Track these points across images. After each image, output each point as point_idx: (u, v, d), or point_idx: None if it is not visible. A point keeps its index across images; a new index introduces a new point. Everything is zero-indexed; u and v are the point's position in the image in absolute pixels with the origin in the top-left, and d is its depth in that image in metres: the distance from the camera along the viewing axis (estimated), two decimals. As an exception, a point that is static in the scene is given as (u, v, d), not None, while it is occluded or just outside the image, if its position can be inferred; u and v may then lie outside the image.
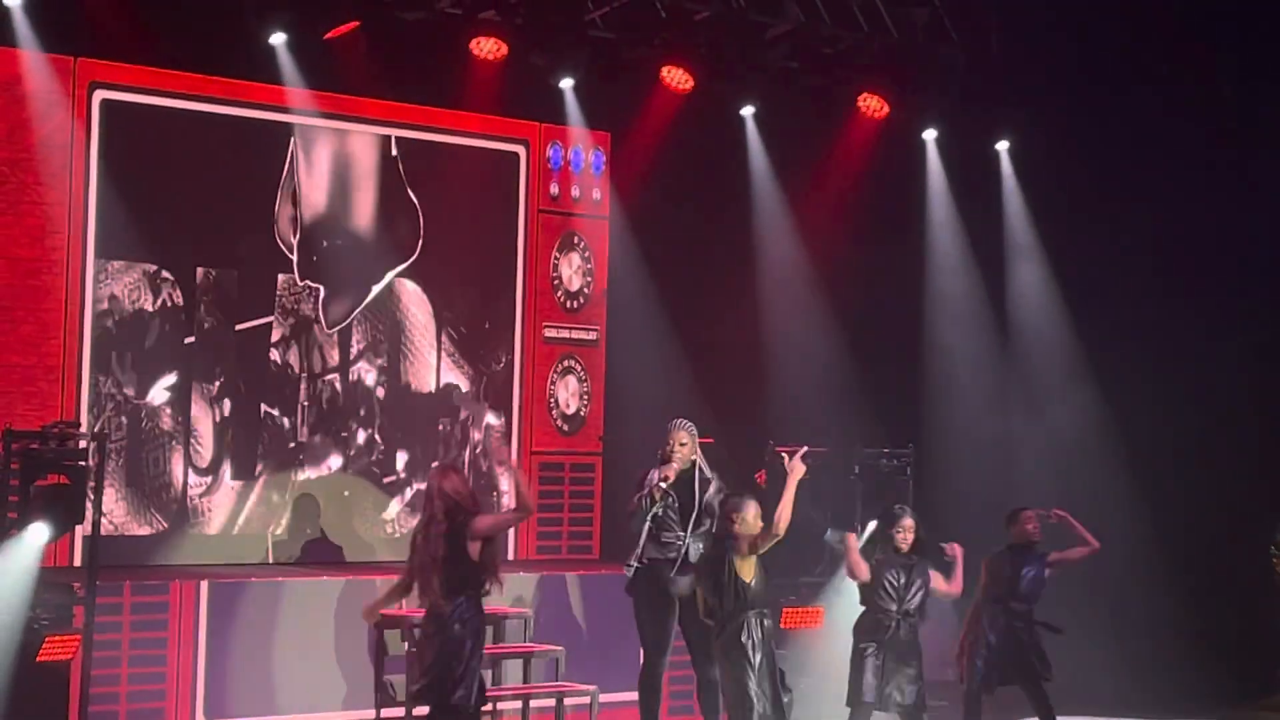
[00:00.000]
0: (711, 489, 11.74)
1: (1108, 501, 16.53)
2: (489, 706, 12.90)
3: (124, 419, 13.42)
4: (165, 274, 13.62)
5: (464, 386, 15.04)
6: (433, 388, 14.93)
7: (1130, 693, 15.35)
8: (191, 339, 13.74)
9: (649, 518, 11.60)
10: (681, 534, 11.67)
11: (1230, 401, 16.31)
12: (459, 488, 10.38)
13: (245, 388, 14.00)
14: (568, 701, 12.86)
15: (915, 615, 11.96)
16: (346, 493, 14.47)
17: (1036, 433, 16.91)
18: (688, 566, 11.55)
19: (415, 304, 14.85)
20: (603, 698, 12.77)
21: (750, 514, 10.74)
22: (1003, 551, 12.99)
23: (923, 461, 15.01)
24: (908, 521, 11.88)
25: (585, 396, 15.78)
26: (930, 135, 17.02)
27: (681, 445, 11.72)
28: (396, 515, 14.67)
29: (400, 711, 12.90)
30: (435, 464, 11.05)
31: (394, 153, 14.68)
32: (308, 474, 14.28)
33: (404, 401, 14.78)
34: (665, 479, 11.61)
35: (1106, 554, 16.43)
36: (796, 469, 10.75)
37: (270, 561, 13.94)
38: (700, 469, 11.76)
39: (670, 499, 11.64)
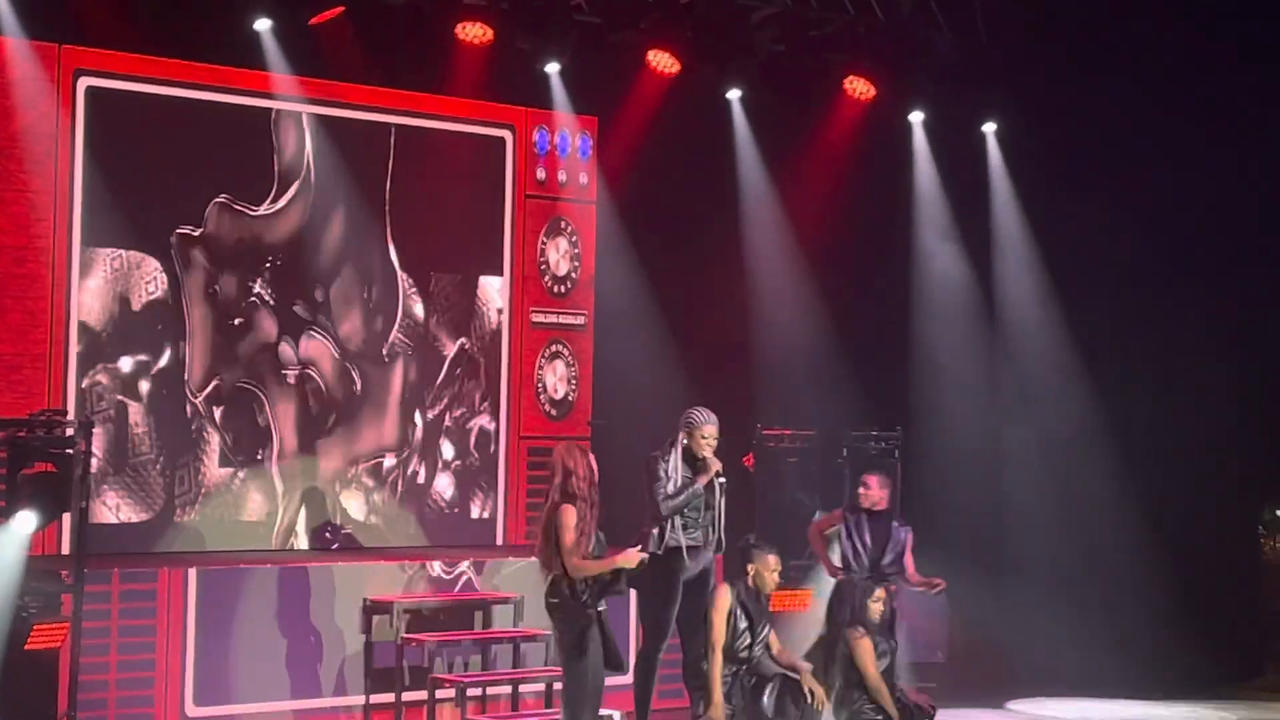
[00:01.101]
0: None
1: (1095, 480, 16.58)
2: (479, 691, 12.94)
3: (112, 408, 13.41)
4: (152, 261, 13.59)
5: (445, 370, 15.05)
6: (425, 374, 14.93)
7: (1120, 674, 15.39)
8: (184, 327, 13.73)
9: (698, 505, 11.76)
10: (704, 520, 11.78)
11: (1216, 382, 16.33)
12: (580, 467, 10.71)
13: (235, 375, 13.98)
14: (558, 686, 12.86)
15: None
16: (336, 479, 14.46)
17: (1023, 415, 16.94)
18: (703, 552, 11.73)
19: (403, 289, 14.83)
20: (592, 682, 12.76)
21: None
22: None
23: (910, 444, 15.02)
24: (879, 592, 11.94)
25: (573, 381, 15.78)
26: (917, 118, 17.02)
27: (716, 438, 11.82)
28: (384, 502, 14.67)
29: (390, 697, 12.92)
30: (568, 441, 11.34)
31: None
32: (298, 460, 14.26)
33: (394, 388, 14.76)
34: (719, 471, 11.76)
35: (1095, 535, 16.51)
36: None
37: (260, 548, 13.94)
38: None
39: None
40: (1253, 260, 16.32)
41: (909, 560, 12.93)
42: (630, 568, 10.94)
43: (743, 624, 11.00)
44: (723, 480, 11.86)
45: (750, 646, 11.00)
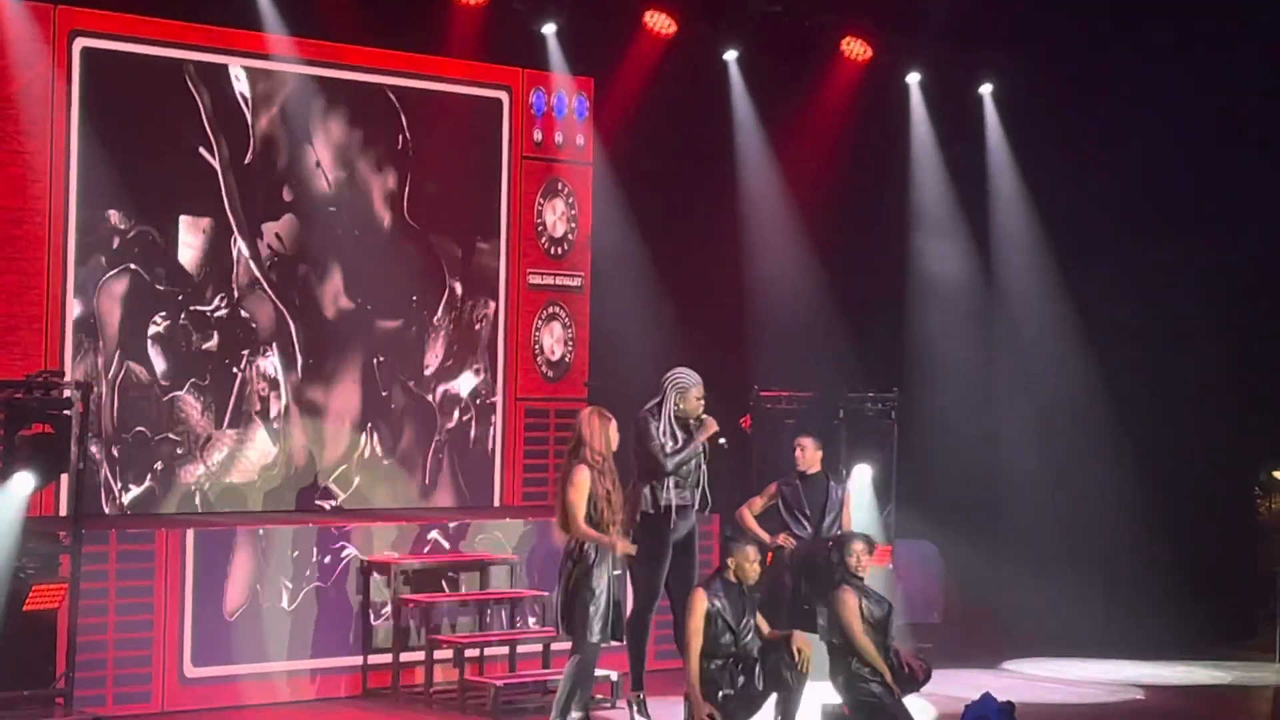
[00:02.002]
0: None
1: (1091, 442, 16.61)
2: (476, 651, 12.98)
3: (109, 369, 13.40)
4: (149, 221, 13.57)
5: (447, 336, 15.05)
6: (420, 335, 14.93)
7: (1115, 635, 15.43)
8: (183, 292, 13.72)
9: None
10: (691, 481, 11.84)
11: (1212, 343, 16.35)
12: (595, 438, 10.90)
13: (232, 333, 13.98)
14: (554, 646, 12.91)
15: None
16: (335, 439, 14.47)
17: (1019, 377, 16.95)
18: (690, 512, 11.85)
19: (402, 250, 14.82)
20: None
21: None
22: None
23: (907, 406, 15.03)
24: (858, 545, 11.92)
25: (570, 342, 15.78)
26: (914, 79, 17.01)
27: (703, 399, 11.87)
28: (382, 464, 14.68)
29: (387, 658, 12.95)
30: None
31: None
32: (296, 421, 14.27)
33: (391, 347, 14.76)
34: (717, 431, 11.83)
35: (1090, 496, 16.54)
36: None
37: (257, 510, 13.95)
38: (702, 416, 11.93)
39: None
40: (1250, 222, 16.32)
41: (846, 517, 12.97)
42: (618, 554, 11.06)
43: (727, 624, 11.04)
44: (723, 441, 11.91)
45: (736, 641, 11.05)
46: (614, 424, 11.18)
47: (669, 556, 11.84)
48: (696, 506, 11.91)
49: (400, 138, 14.80)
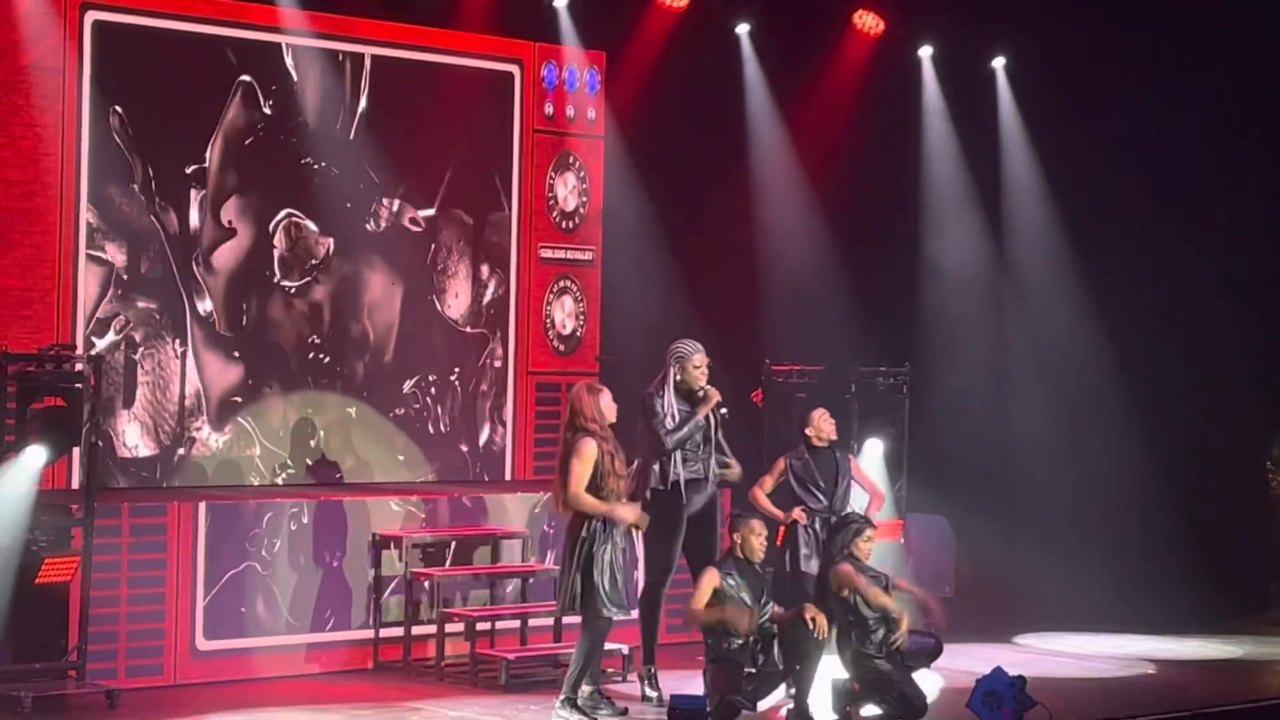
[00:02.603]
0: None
1: (1102, 416, 16.60)
2: (488, 625, 13.00)
3: (122, 342, 13.40)
4: (160, 193, 13.57)
5: (461, 309, 15.04)
6: (434, 310, 14.93)
7: (1127, 609, 15.43)
8: (199, 265, 13.72)
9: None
10: (704, 453, 11.85)
11: (1225, 318, 16.33)
12: (585, 407, 10.97)
13: (248, 308, 13.98)
14: (565, 620, 12.91)
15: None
16: (350, 412, 14.47)
17: (1031, 351, 16.93)
18: (704, 484, 11.82)
19: (409, 223, 14.81)
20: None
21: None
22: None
23: (919, 380, 15.03)
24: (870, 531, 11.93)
25: (581, 317, 15.78)
26: (926, 53, 16.98)
27: (708, 368, 11.88)
28: (393, 437, 14.69)
29: (399, 631, 12.97)
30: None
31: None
32: (310, 394, 14.28)
33: (405, 324, 14.76)
34: (720, 401, 11.85)
35: (1102, 470, 16.53)
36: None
37: (269, 483, 13.97)
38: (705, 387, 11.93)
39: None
40: (1267, 196, 16.28)
41: (866, 481, 13.08)
42: (628, 522, 11.07)
43: (744, 603, 11.03)
44: (724, 411, 11.89)
45: (758, 614, 11.07)
46: (605, 394, 11.22)
47: (682, 531, 11.84)
48: (714, 480, 11.91)
49: (411, 111, 14.77)
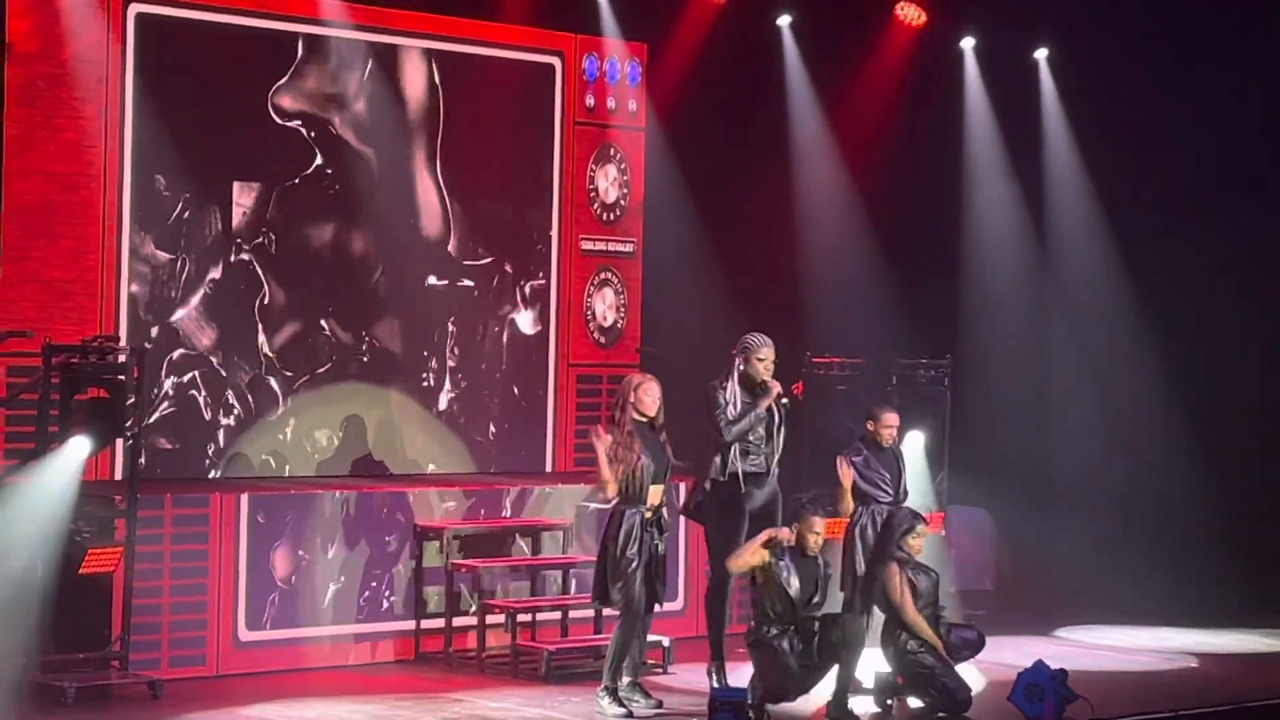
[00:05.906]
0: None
1: (1144, 409, 16.53)
2: (529, 616, 13.01)
3: (164, 334, 13.45)
4: (203, 187, 13.60)
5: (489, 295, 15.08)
6: (475, 302, 14.95)
7: (1169, 602, 15.36)
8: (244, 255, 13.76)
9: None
10: (766, 447, 11.83)
11: (1271, 311, 16.25)
12: (617, 398, 11.36)
13: (287, 301, 14.01)
14: (606, 612, 12.92)
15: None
16: (392, 405, 14.50)
17: (1073, 341, 16.88)
18: (765, 479, 11.81)
19: (451, 216, 14.83)
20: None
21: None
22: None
23: (960, 372, 15.00)
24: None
25: (622, 309, 15.78)
26: (968, 44, 16.93)
27: (774, 361, 11.89)
28: (434, 429, 14.71)
29: (440, 623, 12.99)
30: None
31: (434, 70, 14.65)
32: (352, 386, 14.30)
33: (446, 315, 14.78)
34: (781, 394, 11.84)
35: (1144, 462, 16.47)
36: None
37: (311, 474, 14.00)
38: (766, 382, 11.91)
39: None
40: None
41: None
42: (654, 504, 11.34)
43: (785, 592, 11.06)
44: (785, 402, 11.89)
45: (794, 611, 11.07)
46: (648, 385, 11.42)
47: (744, 524, 11.76)
48: (775, 475, 11.89)
49: (451, 103, 14.78)
